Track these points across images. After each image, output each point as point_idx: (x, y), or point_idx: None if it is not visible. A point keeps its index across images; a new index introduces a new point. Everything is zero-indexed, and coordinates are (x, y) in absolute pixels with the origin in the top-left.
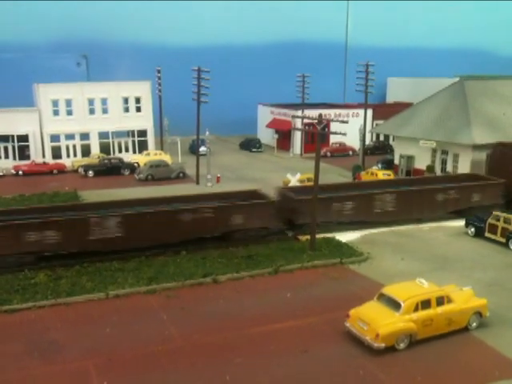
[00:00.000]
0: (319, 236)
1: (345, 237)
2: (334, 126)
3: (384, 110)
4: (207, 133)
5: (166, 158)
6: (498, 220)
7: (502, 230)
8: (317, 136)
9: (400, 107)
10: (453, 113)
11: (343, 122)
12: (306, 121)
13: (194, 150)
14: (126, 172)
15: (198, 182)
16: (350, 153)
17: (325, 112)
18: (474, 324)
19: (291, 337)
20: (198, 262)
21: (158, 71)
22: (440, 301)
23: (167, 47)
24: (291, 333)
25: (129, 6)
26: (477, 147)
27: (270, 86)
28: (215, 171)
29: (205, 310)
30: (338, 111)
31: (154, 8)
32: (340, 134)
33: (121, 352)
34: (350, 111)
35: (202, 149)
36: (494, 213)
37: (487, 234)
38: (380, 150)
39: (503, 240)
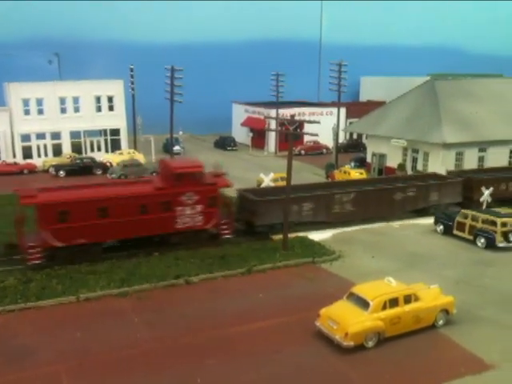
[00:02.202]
0: (292, 235)
1: (317, 236)
2: (307, 125)
3: (357, 109)
4: (180, 132)
5: (140, 157)
6: (466, 218)
7: (470, 227)
8: (289, 137)
9: (373, 106)
10: (424, 112)
11: (315, 122)
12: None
13: (168, 148)
14: (99, 172)
15: None
16: (324, 151)
17: (299, 110)
18: (441, 321)
19: (263, 337)
20: (171, 262)
21: (131, 70)
22: (408, 299)
23: (141, 45)
24: (263, 333)
25: (102, 3)
26: (447, 146)
27: (245, 84)
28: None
29: (177, 312)
30: (312, 109)
31: (127, 6)
32: (312, 134)
33: (92, 356)
34: (324, 109)
35: (176, 148)
36: (462, 211)
37: (455, 232)
38: (353, 148)
39: (471, 237)
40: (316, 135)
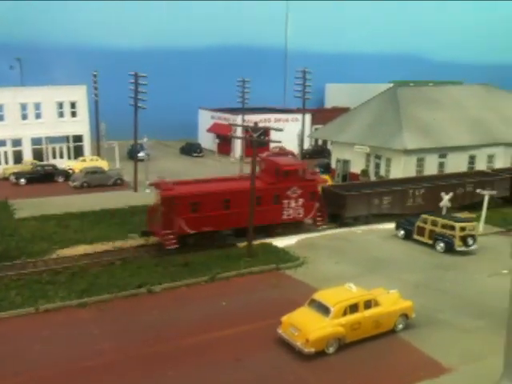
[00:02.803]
0: (256, 242)
1: (282, 242)
2: (272, 132)
3: (322, 115)
4: (145, 138)
5: (103, 163)
6: (426, 223)
7: (430, 232)
8: (252, 145)
9: (338, 112)
10: (386, 118)
11: (278, 129)
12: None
13: (132, 155)
14: (61, 179)
15: (135, 189)
16: (290, 157)
17: (265, 117)
18: (401, 326)
19: (225, 346)
20: (134, 271)
21: (94, 75)
22: (368, 304)
23: (105, 51)
24: (226, 342)
25: (65, 8)
26: (408, 152)
27: (212, 89)
28: (155, 177)
29: (138, 322)
30: (277, 116)
31: (90, 10)
32: (275, 141)
33: (50, 369)
34: (290, 116)
35: (141, 154)
36: (422, 216)
37: (416, 236)
38: (319, 154)
39: (430, 242)
40: (279, 142)
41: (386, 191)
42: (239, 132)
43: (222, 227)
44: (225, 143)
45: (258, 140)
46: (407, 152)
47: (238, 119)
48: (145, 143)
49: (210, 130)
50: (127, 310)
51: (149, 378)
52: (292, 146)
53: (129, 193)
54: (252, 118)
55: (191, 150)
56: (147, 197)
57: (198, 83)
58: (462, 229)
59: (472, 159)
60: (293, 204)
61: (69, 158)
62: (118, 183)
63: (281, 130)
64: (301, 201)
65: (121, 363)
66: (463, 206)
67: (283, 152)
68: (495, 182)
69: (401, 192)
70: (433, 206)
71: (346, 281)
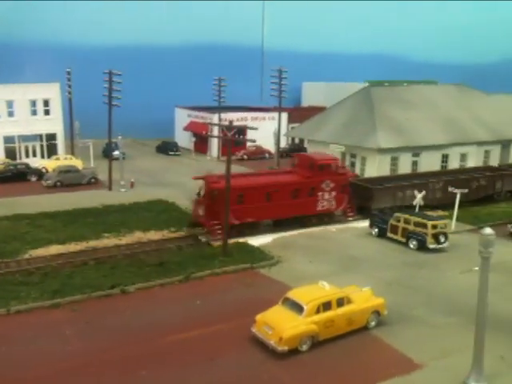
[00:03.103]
0: (232, 241)
1: (257, 241)
2: (249, 130)
3: (299, 114)
4: (119, 137)
5: (77, 162)
6: (399, 221)
7: (403, 230)
8: (227, 143)
9: (314, 111)
10: (360, 118)
11: (252, 128)
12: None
13: (107, 154)
14: (34, 178)
15: (110, 188)
16: (267, 155)
17: (241, 115)
18: (373, 323)
19: (199, 345)
20: (107, 271)
21: (68, 72)
22: (340, 302)
23: (80, 48)
24: (199, 341)
25: (37, 5)
26: (382, 150)
27: (189, 88)
28: (131, 176)
29: (111, 323)
30: (254, 114)
31: (64, 8)
32: (249, 140)
33: (19, 372)
34: (267, 114)
35: (116, 153)
36: (395, 214)
37: (389, 234)
38: (296, 152)
39: (403, 240)
40: (254, 141)
41: (409, 185)
42: (216, 131)
43: (263, 218)
44: (201, 142)
45: (232, 139)
46: (381, 151)
47: (215, 118)
48: (119, 142)
49: (186, 129)
50: (100, 311)
51: (122, 379)
52: (269, 144)
53: (103, 192)
54: (229, 117)
55: (167, 148)
56: (122, 196)
57: (175, 81)
58: (434, 227)
59: (445, 158)
60: (326, 196)
61: (42, 156)
62: (92, 182)
63: (255, 128)
64: (333, 193)
65: (93, 364)
66: (479, 198)
67: (260, 150)
68: (505, 176)
69: (422, 185)
70: (451, 199)
71: (321, 279)
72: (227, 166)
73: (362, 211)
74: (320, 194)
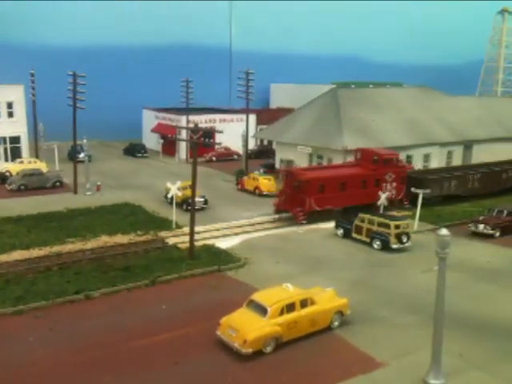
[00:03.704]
0: (199, 244)
1: (225, 243)
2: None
3: (267, 115)
4: (84, 140)
5: (42, 165)
6: (363, 221)
7: (367, 230)
8: (192, 147)
9: (282, 112)
10: (327, 119)
11: (218, 131)
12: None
13: (73, 156)
14: None
15: (75, 191)
16: (236, 157)
17: (210, 117)
18: (336, 323)
19: (164, 350)
20: (71, 277)
21: (32, 74)
22: (304, 303)
23: (44, 49)
24: (164, 346)
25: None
26: (348, 151)
27: (157, 89)
28: (97, 178)
29: (75, 329)
30: (222, 116)
31: (26, 8)
32: (214, 144)
33: None
34: (235, 116)
35: (82, 155)
36: (359, 215)
37: (354, 235)
38: (264, 154)
39: (368, 240)
40: (219, 144)
41: (453, 176)
42: (184, 133)
43: (338, 205)
44: (169, 144)
45: (199, 142)
46: (347, 152)
47: (183, 120)
48: (84, 144)
49: (154, 131)
50: (64, 317)
51: None
52: (237, 146)
53: (68, 195)
54: (197, 119)
55: (135, 150)
56: (87, 199)
57: (142, 83)
58: (397, 227)
59: (409, 158)
60: (389, 186)
61: (6, 160)
62: (57, 186)
63: (220, 131)
64: (394, 184)
65: (57, 371)
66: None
67: (228, 152)
68: None
69: (463, 177)
70: (488, 189)
71: (287, 280)
72: (193, 168)
73: (414, 200)
74: (384, 184)
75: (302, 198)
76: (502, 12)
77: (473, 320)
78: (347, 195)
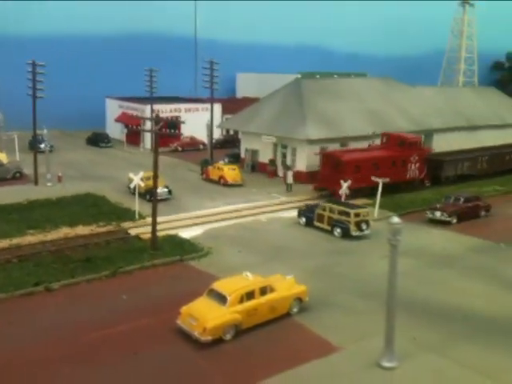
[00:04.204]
0: (162, 234)
1: (188, 233)
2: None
3: (233, 105)
4: (45, 130)
5: (1, 156)
6: (325, 210)
7: (328, 218)
8: (155, 137)
9: (248, 102)
10: (291, 110)
11: (180, 122)
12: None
13: (33, 146)
14: None
15: (36, 183)
16: (201, 147)
17: (175, 107)
18: (295, 309)
19: (123, 341)
20: (30, 269)
21: None
22: (263, 291)
23: (3, 38)
24: (124, 336)
25: None
26: (312, 141)
27: (122, 78)
28: (59, 169)
29: (35, 322)
30: (188, 106)
31: None
32: (176, 134)
33: None
34: (200, 105)
35: (43, 145)
36: (321, 203)
37: (316, 223)
38: (230, 143)
39: (329, 228)
40: (181, 134)
41: (466, 158)
42: (148, 123)
43: (371, 184)
44: (134, 133)
45: (165, 132)
46: (311, 142)
47: (147, 109)
48: (44, 134)
49: (117, 120)
50: (24, 310)
51: (44, 377)
52: (203, 135)
53: (29, 186)
54: (161, 108)
55: (98, 140)
56: (48, 190)
57: (106, 72)
58: (357, 215)
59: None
60: (413, 167)
61: None
62: (17, 177)
63: (182, 122)
64: (417, 164)
65: (16, 364)
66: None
67: (194, 142)
68: None
69: (474, 159)
70: (494, 169)
71: (249, 269)
72: (155, 159)
73: (434, 180)
74: (409, 165)
75: (340, 177)
76: (463, 3)
77: (427, 305)
78: (379, 175)
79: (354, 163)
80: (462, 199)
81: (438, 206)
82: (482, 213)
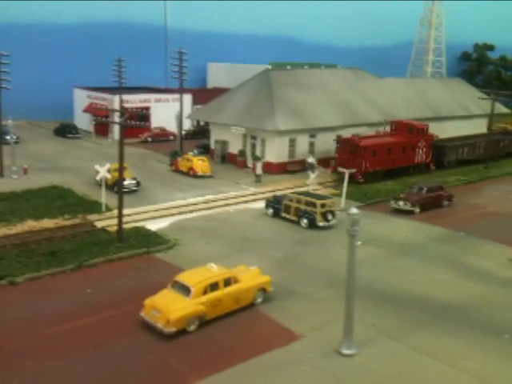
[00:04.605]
0: (129, 226)
1: (155, 225)
2: (154, 111)
3: (204, 95)
4: (9, 120)
5: None
6: (292, 201)
7: (295, 209)
8: (121, 129)
9: (219, 92)
10: (260, 101)
11: (141, 113)
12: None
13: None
14: None
15: (1, 175)
16: (172, 137)
17: (144, 97)
18: (260, 299)
19: (86, 333)
20: None
21: None
22: (227, 282)
23: None
24: (87, 329)
25: None
26: (281, 133)
27: (90, 68)
28: (24, 161)
29: None
30: (158, 96)
31: None
32: (143, 125)
33: None
34: (170, 96)
35: (8, 137)
36: (288, 194)
37: (283, 214)
38: (200, 134)
39: (296, 218)
40: (144, 125)
41: (465, 144)
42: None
43: (385, 167)
44: (102, 124)
45: (128, 125)
46: (280, 133)
47: (115, 99)
48: (10, 125)
49: (85, 111)
50: None
51: (5, 371)
52: (173, 126)
53: None
54: (130, 99)
55: (66, 131)
56: (14, 183)
57: (74, 61)
58: (323, 205)
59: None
60: (420, 152)
61: None
62: None
63: (143, 113)
64: (424, 149)
65: None
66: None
67: (164, 132)
68: None
69: (473, 144)
70: (490, 154)
71: (216, 260)
72: (120, 151)
73: (437, 164)
74: (417, 150)
75: (358, 161)
76: None
77: (388, 292)
78: (392, 159)
79: (371, 148)
80: (424, 189)
81: (401, 195)
82: (445, 202)
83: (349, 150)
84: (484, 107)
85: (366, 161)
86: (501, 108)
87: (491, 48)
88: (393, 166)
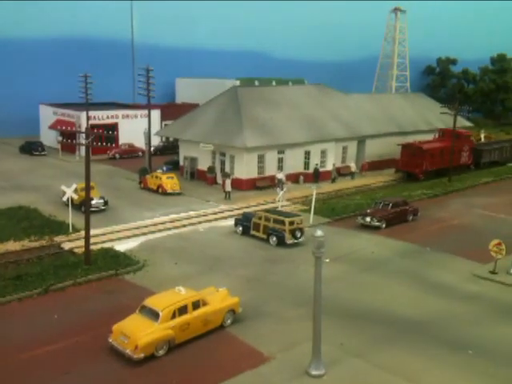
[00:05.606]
0: (97, 247)
1: (124, 246)
2: (122, 127)
3: (173, 111)
4: None
5: None
6: (260, 219)
7: (264, 227)
8: (86, 148)
9: (188, 108)
10: (228, 117)
11: (109, 134)
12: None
13: None
14: None
15: None
16: (140, 154)
17: (112, 113)
18: (229, 321)
19: (54, 360)
20: None
21: None
22: (196, 305)
23: None
24: (56, 356)
25: None
26: (249, 149)
27: (57, 84)
28: None
29: None
30: (125, 112)
31: None
32: (106, 144)
33: None
34: (139, 112)
35: None
36: (257, 212)
37: (253, 232)
38: (170, 149)
39: (265, 236)
40: (112, 144)
41: (496, 148)
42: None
43: (439, 167)
44: (67, 143)
45: (94, 146)
46: (248, 149)
47: (82, 116)
48: None
49: (52, 127)
50: None
51: None
52: (142, 142)
53: None
54: (97, 115)
55: (32, 148)
56: None
57: (40, 77)
58: (291, 223)
59: (307, 154)
60: (464, 154)
61: None
62: None
63: (112, 136)
64: (467, 153)
65: None
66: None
67: (132, 149)
68: None
69: (502, 148)
70: (502, 158)
71: (185, 281)
72: (86, 170)
73: (475, 165)
74: (462, 153)
75: (419, 162)
76: (395, 10)
77: (355, 310)
78: (443, 160)
79: (431, 151)
80: (390, 204)
81: (368, 211)
82: (410, 217)
83: (411, 153)
84: (446, 121)
85: (426, 161)
86: (462, 121)
87: (454, 62)
88: (444, 166)
